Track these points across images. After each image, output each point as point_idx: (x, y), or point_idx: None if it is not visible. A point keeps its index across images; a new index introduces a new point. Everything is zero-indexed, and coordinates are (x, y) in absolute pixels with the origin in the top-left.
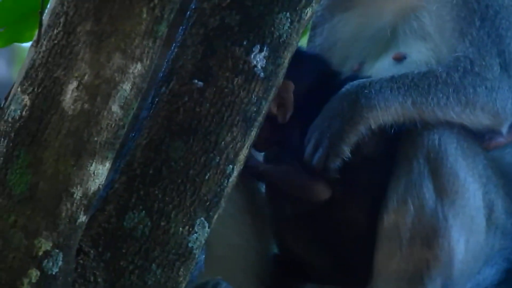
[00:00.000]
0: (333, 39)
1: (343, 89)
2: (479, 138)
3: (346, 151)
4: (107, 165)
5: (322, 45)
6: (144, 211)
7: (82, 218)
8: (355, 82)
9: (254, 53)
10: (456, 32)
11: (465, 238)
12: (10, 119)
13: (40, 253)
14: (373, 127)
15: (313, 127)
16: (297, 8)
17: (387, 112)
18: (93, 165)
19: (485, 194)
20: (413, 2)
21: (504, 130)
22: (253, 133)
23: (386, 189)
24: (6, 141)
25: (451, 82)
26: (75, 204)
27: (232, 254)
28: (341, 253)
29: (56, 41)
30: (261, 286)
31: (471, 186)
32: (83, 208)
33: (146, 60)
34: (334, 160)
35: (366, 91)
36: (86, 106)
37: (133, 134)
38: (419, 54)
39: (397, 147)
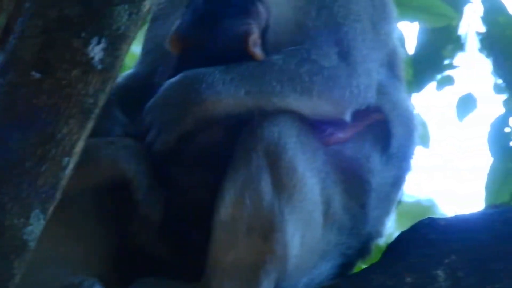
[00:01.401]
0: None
1: (177, 78)
2: (320, 133)
3: (173, 140)
4: None
5: (163, 36)
6: None
7: None
8: (189, 73)
9: (92, 45)
10: (292, 23)
11: (301, 232)
12: None
13: None
14: (202, 120)
15: (147, 109)
16: (136, 1)
17: (219, 105)
18: None
19: (323, 190)
20: None
21: (347, 117)
22: (90, 125)
23: (224, 180)
24: None
25: (286, 70)
26: None
27: (70, 246)
28: (179, 244)
29: None
30: (101, 280)
31: (309, 181)
32: None
33: None
34: (160, 145)
35: (196, 85)
36: None
37: None
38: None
39: (238, 138)
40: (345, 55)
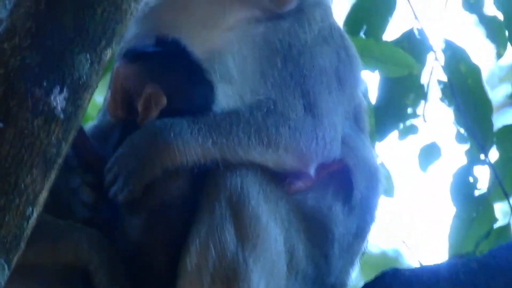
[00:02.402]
0: None
1: (145, 127)
2: (281, 182)
3: (138, 190)
4: None
5: None
6: None
7: None
8: (157, 122)
9: (54, 94)
10: (257, 74)
11: (265, 282)
12: None
13: None
14: (170, 169)
15: (113, 159)
16: (97, 49)
17: (185, 154)
18: None
19: (287, 239)
20: (218, 44)
21: (311, 171)
22: (53, 175)
23: (188, 231)
24: None
25: (253, 122)
26: None
27: None
28: None
29: None
30: None
31: (272, 230)
32: None
33: None
34: (126, 196)
35: (165, 133)
36: None
37: None
38: (225, 97)
39: (201, 188)
40: (311, 107)
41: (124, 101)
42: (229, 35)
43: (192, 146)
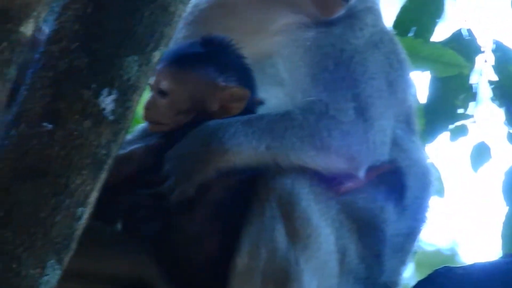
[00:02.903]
0: None
1: (199, 128)
2: (331, 182)
3: (191, 190)
4: None
5: None
6: None
7: None
8: (212, 123)
9: (103, 96)
10: (308, 77)
11: (317, 282)
12: None
13: None
14: (223, 170)
15: (166, 158)
16: (146, 51)
17: (239, 157)
18: None
19: (338, 239)
20: (268, 48)
21: (361, 174)
22: (103, 176)
23: (239, 232)
24: None
25: (306, 125)
26: None
27: None
28: None
29: None
30: None
31: (323, 230)
32: None
33: None
34: (177, 196)
35: (220, 134)
36: None
37: None
38: (276, 99)
39: (251, 188)
40: (362, 111)
41: (188, 108)
42: (279, 39)
43: (246, 150)
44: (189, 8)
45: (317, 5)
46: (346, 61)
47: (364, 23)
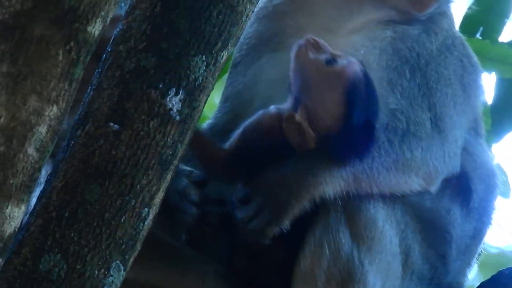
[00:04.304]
0: (258, 79)
1: (294, 161)
2: None
3: (288, 223)
4: (23, 207)
5: (245, 83)
6: (59, 254)
7: None
8: (306, 154)
9: (170, 96)
10: (384, 81)
11: (381, 283)
12: None
13: None
14: (317, 201)
15: (255, 191)
16: (213, 51)
17: (331, 188)
18: (9, 207)
19: (402, 240)
20: (340, 46)
21: (434, 189)
22: (169, 176)
23: (305, 234)
24: None
25: (392, 151)
26: None
27: None
28: None
29: None
30: None
31: (388, 232)
32: None
33: (62, 102)
34: (274, 229)
35: (314, 166)
36: (1, 148)
37: (49, 177)
38: None
39: None
40: (437, 121)
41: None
42: (355, 38)
43: (337, 181)
44: (262, 2)
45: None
46: (423, 67)
47: (440, 27)
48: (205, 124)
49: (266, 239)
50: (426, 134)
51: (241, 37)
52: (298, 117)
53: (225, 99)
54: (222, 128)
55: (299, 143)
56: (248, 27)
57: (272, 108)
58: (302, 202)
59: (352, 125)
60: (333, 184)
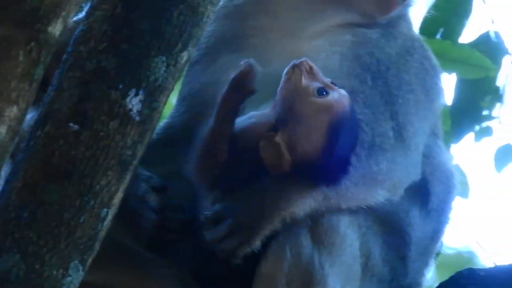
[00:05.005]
0: (217, 78)
1: (266, 183)
2: None
3: (259, 243)
4: None
5: (204, 83)
6: (18, 254)
7: None
8: (279, 177)
9: (130, 97)
10: (346, 88)
11: (341, 285)
12: None
13: None
14: (288, 221)
15: (228, 211)
16: (173, 52)
17: (302, 209)
18: None
19: (363, 244)
20: (301, 49)
21: (397, 198)
22: (128, 176)
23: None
24: None
25: (359, 166)
26: None
27: None
28: None
29: None
30: None
31: (349, 236)
32: None
33: (22, 103)
34: (245, 250)
35: (286, 192)
36: None
37: (8, 177)
38: None
39: None
40: (400, 130)
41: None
42: (316, 42)
43: (308, 202)
44: (222, 1)
45: (373, 2)
46: (383, 73)
47: (399, 31)
48: (162, 123)
49: (237, 259)
50: (390, 145)
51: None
52: (278, 138)
53: (182, 98)
54: (180, 127)
55: (273, 164)
56: (208, 26)
57: (262, 116)
58: (274, 224)
59: (330, 156)
60: (304, 205)
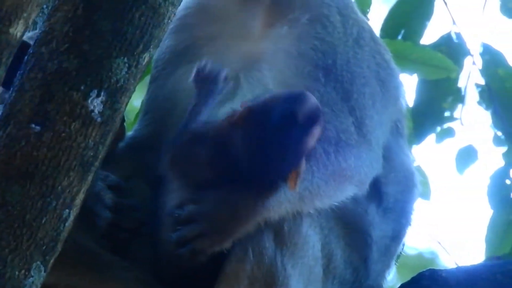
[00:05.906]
0: (177, 89)
1: (238, 183)
2: None
3: (229, 246)
4: None
5: (165, 95)
6: None
7: None
8: (251, 178)
9: (91, 98)
10: (301, 88)
11: (303, 286)
12: None
13: None
14: (262, 225)
15: (199, 214)
16: (135, 53)
17: (277, 213)
18: None
19: (325, 245)
20: (253, 51)
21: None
22: (90, 177)
23: None
24: None
25: (329, 163)
26: None
27: None
28: None
29: None
30: None
31: (311, 238)
32: None
33: None
34: (214, 251)
35: (263, 197)
36: None
37: None
38: None
39: None
40: (359, 125)
41: None
42: (263, 44)
43: (284, 205)
44: None
45: None
46: (333, 69)
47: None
48: (125, 136)
49: (203, 258)
50: (355, 141)
51: (156, 53)
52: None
53: (144, 112)
54: (144, 139)
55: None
56: (161, 43)
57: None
58: (248, 228)
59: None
60: (280, 209)
